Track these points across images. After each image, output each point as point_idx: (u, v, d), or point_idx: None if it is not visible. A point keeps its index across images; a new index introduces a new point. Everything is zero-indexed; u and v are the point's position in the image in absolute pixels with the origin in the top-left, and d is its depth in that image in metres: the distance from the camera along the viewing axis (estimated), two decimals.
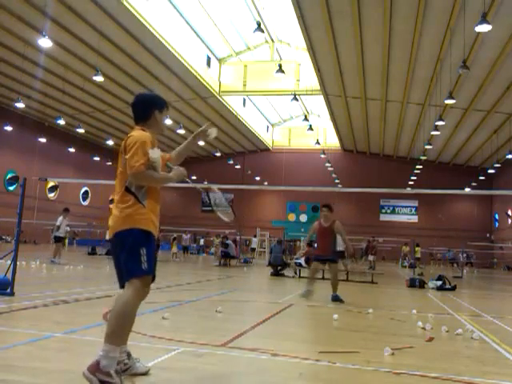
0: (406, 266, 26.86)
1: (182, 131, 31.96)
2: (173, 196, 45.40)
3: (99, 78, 21.55)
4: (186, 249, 29.44)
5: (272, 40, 32.02)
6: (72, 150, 36.67)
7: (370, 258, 22.97)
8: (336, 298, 8.38)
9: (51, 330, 4.49)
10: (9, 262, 6.83)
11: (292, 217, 42.75)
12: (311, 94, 30.53)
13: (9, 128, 30.11)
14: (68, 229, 16.04)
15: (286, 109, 42.29)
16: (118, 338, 2.97)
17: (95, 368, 2.85)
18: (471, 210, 42.67)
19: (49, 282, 9.28)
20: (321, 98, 30.64)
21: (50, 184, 35.90)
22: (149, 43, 23.80)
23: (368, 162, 43.31)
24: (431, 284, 12.71)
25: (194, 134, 3.60)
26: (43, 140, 32.64)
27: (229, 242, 20.02)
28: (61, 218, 15.01)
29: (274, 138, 47.21)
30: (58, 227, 14.92)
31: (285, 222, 39.04)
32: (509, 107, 25.95)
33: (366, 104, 29.10)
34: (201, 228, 37.26)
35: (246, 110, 38.09)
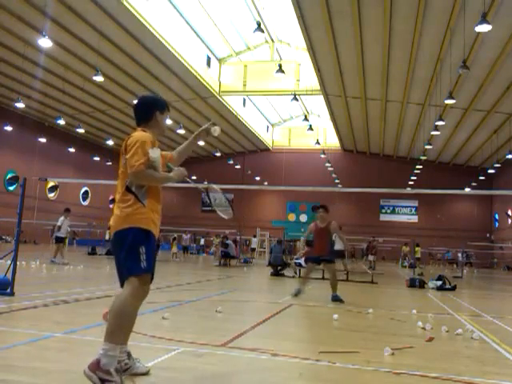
0: (406, 266, 26.86)
1: (181, 131, 31.97)
2: (173, 196, 45.41)
3: (99, 78, 21.55)
4: (185, 249, 29.45)
5: (272, 40, 32.03)
6: (72, 149, 36.67)
7: (370, 257, 22.99)
8: (336, 298, 8.40)
9: (51, 330, 4.50)
10: (9, 262, 6.83)
11: (292, 217, 42.70)
12: (311, 94, 30.53)
13: (9, 128, 30.11)
14: (68, 229, 15.98)
15: (286, 109, 42.29)
16: (117, 336, 2.98)
17: (95, 366, 2.87)
18: (471, 210, 42.67)
19: (49, 282, 9.28)
20: (321, 98, 30.64)
21: (50, 184, 35.91)
22: (149, 43, 23.80)
23: (368, 161, 43.31)
24: (431, 284, 12.70)
25: (195, 133, 3.62)
26: (43, 140, 32.66)
27: (229, 241, 20.01)
28: (62, 218, 14.93)
29: (274, 137, 47.22)
30: (60, 227, 14.86)
31: (285, 222, 39.00)
32: (509, 107, 25.96)
33: (366, 104, 29.10)
34: (201, 228, 37.27)
35: (246, 110, 38.09)
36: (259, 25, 17.61)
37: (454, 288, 12.31)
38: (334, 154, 42.02)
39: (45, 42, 18.32)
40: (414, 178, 37.46)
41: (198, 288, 9.69)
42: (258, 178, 44.43)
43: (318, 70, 24.94)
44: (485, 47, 19.62)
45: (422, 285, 12.78)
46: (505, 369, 4.06)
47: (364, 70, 23.87)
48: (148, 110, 3.36)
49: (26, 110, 31.69)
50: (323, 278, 13.96)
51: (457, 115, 28.29)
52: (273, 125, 46.81)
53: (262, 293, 10.32)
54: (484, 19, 13.45)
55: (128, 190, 3.15)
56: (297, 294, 8.60)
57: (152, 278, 3.22)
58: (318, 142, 34.95)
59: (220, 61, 32.68)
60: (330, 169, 38.91)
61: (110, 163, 39.58)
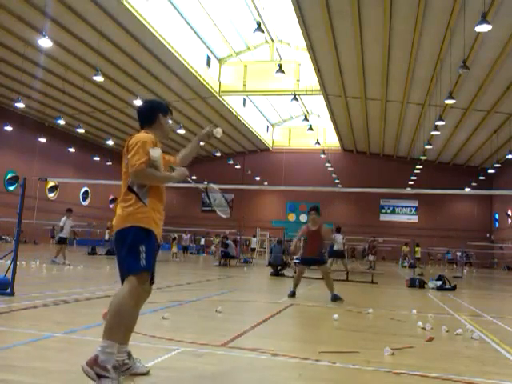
0: (406, 266, 26.86)
1: (182, 131, 31.98)
2: (173, 196, 45.40)
3: (99, 78, 21.55)
4: (185, 249, 29.45)
5: (272, 40, 32.03)
6: (72, 150, 36.68)
7: (370, 257, 22.99)
8: (335, 298, 8.43)
9: (51, 330, 4.50)
10: (9, 262, 6.83)
11: (292, 217, 42.82)
12: (311, 94, 30.53)
13: (9, 128, 30.12)
14: (69, 229, 15.85)
15: (286, 109, 42.29)
16: (116, 334, 3.00)
17: (93, 362, 2.90)
18: (471, 209, 42.67)
19: (49, 282, 9.28)
20: (321, 98, 30.64)
21: (50, 184, 35.90)
22: (149, 43, 23.80)
23: (368, 161, 43.31)
24: (431, 284, 12.70)
25: (197, 137, 3.64)
26: (43, 140, 32.66)
27: (229, 242, 20.01)
28: (64, 219, 14.74)
29: (274, 137, 47.22)
30: (62, 228, 14.73)
31: (285, 222, 39.10)
32: (509, 107, 25.96)
33: (366, 104, 29.10)
34: (201, 228, 37.28)
35: (246, 110, 38.09)
36: (259, 25, 17.60)
37: (453, 288, 12.31)
38: (333, 154, 42.02)
39: (45, 42, 18.33)
40: (414, 178, 37.46)
41: (198, 288, 9.69)
42: (258, 178, 44.43)
43: (318, 70, 24.94)
44: (485, 47, 19.61)
45: (422, 285, 12.79)
46: (505, 369, 4.06)
47: (364, 70, 23.87)
48: (151, 113, 3.42)
49: (26, 109, 31.69)
50: (323, 278, 13.95)
51: (457, 115, 28.29)
52: (273, 125, 46.81)
53: (262, 293, 10.33)
54: (484, 19, 13.45)
55: (130, 189, 3.20)
56: (291, 295, 8.70)
57: (153, 278, 3.24)
58: (317, 142, 34.95)
59: (220, 61, 32.69)
60: (330, 169, 38.91)
61: (109, 163, 39.58)
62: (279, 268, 15.29)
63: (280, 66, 22.43)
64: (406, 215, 44.15)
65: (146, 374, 3.26)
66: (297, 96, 27.24)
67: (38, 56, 24.48)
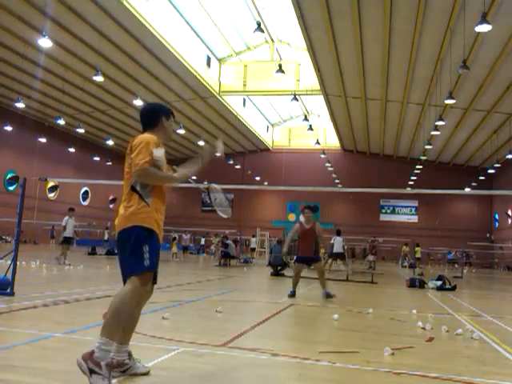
0: (405, 266, 26.86)
1: (182, 131, 31.97)
2: (173, 196, 45.39)
3: (99, 78, 21.54)
4: (185, 249, 29.45)
5: (272, 40, 32.03)
6: (72, 149, 36.68)
7: (370, 257, 23.00)
8: (327, 295, 8.46)
9: (51, 330, 4.50)
10: (9, 261, 6.83)
11: (292, 217, 42.75)
12: (311, 94, 30.53)
13: (9, 128, 30.13)
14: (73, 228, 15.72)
15: (286, 109, 42.29)
16: (114, 332, 3.01)
17: (88, 356, 2.93)
18: (471, 209, 42.67)
19: (49, 282, 9.28)
20: (321, 98, 30.64)
21: (50, 184, 35.91)
22: (149, 43, 23.80)
23: (368, 161, 43.32)
24: (431, 284, 12.70)
25: (198, 157, 3.54)
26: (43, 140, 32.66)
27: (229, 242, 20.02)
28: (66, 218, 14.70)
29: (274, 137, 47.23)
30: (65, 227, 14.67)
31: (285, 222, 39.08)
32: (509, 107, 25.96)
33: (366, 104, 29.10)
34: (201, 228, 37.28)
35: (246, 110, 38.09)
36: (259, 25, 17.60)
37: (454, 288, 12.31)
38: (334, 154, 42.02)
39: (45, 42, 18.32)
40: (414, 178, 37.47)
41: (198, 288, 9.69)
42: (258, 178, 44.43)
43: (318, 70, 24.94)
44: (485, 47, 19.62)
45: (422, 285, 12.78)
46: (505, 369, 4.06)
47: (364, 70, 23.87)
48: (154, 116, 3.44)
49: (26, 109, 31.69)
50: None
51: (457, 115, 28.29)
52: (273, 125, 46.81)
53: (262, 293, 10.33)
54: (484, 19, 13.45)
55: (133, 189, 3.21)
56: (291, 295, 8.66)
57: (155, 279, 3.25)
58: (317, 142, 34.95)
59: (220, 61, 32.69)
60: (330, 169, 38.91)
61: (109, 163, 39.59)
62: (279, 268, 15.29)
63: (280, 66, 22.43)
64: (405, 215, 44.16)
65: (146, 374, 3.26)
66: (297, 96, 27.24)
67: (38, 56, 24.48)
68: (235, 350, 4.15)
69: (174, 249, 23.42)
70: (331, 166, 38.55)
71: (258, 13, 27.50)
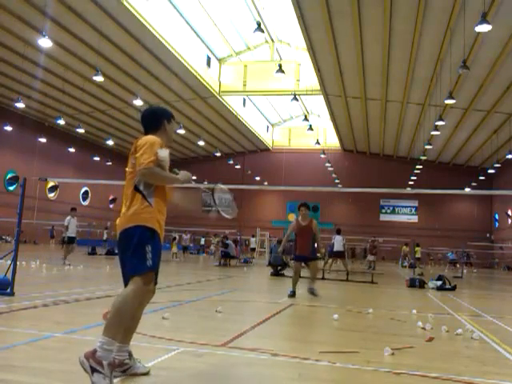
0: (405, 266, 26.86)
1: (182, 131, 31.98)
2: (173, 196, 45.34)
3: (99, 78, 21.54)
4: (185, 249, 29.44)
5: (272, 40, 32.03)
6: (72, 149, 36.68)
7: (370, 258, 22.99)
8: (311, 291, 8.44)
9: (51, 330, 4.49)
10: (9, 261, 6.83)
11: (292, 217, 42.61)
12: (311, 94, 30.53)
13: (9, 128, 30.13)
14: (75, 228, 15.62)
15: (286, 109, 42.29)
16: (116, 332, 3.01)
17: (90, 355, 2.93)
18: (471, 209, 42.67)
19: (49, 282, 9.28)
20: (321, 98, 30.64)
21: (50, 184, 35.90)
22: (149, 43, 23.80)
23: (368, 161, 43.32)
24: (431, 284, 12.70)
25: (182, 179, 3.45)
26: (43, 140, 32.66)
27: (229, 241, 20.02)
28: (68, 218, 14.61)
29: (274, 138, 47.23)
30: (67, 227, 14.60)
31: (285, 222, 39.02)
32: (509, 107, 25.96)
33: (366, 104, 29.10)
34: (201, 228, 37.25)
35: (246, 109, 38.10)
36: (259, 25, 17.61)
37: (454, 288, 12.30)
38: (334, 154, 42.03)
39: (45, 42, 18.32)
40: (414, 178, 37.47)
41: (198, 288, 9.69)
42: (258, 178, 44.43)
43: (318, 70, 24.94)
44: (485, 47, 19.62)
45: (422, 285, 12.78)
46: (505, 369, 4.06)
47: (364, 70, 23.87)
48: (156, 120, 3.46)
49: (26, 109, 31.69)
50: (323, 278, 13.97)
51: (457, 115, 28.29)
52: (273, 125, 46.82)
53: (262, 293, 10.33)
54: (484, 19, 13.46)
55: (136, 189, 3.22)
56: (291, 295, 8.61)
57: (156, 279, 3.25)
58: (318, 142, 34.96)
59: (220, 61, 32.69)
60: (330, 169, 38.92)
61: (110, 163, 39.57)
62: (279, 268, 15.29)
63: (280, 66, 22.44)
64: (405, 215, 44.16)
65: (146, 374, 3.26)
66: (297, 96, 27.25)
67: (37, 56, 24.48)
68: (235, 349, 4.15)
69: (174, 249, 23.43)
70: (331, 166, 38.55)
71: (258, 13, 27.50)
